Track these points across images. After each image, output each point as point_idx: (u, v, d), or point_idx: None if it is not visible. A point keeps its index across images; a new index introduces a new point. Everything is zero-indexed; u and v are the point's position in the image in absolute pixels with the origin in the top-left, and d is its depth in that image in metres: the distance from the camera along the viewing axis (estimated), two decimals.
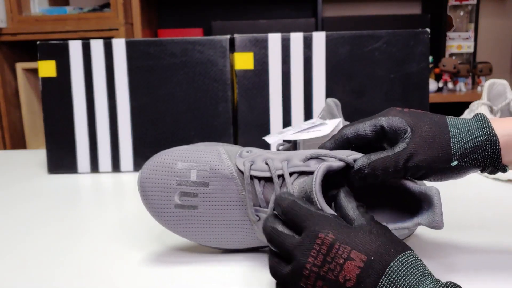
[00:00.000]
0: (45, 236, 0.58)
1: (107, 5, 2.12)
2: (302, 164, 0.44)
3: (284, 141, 0.69)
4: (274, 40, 0.86)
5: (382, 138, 0.44)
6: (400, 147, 0.42)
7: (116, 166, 0.87)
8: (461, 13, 2.21)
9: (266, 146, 0.86)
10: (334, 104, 0.67)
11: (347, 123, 0.69)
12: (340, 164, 0.43)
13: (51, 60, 0.86)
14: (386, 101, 0.86)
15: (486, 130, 0.41)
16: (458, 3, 2.17)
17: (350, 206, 0.39)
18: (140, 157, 0.87)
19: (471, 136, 0.41)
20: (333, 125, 0.60)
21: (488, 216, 0.60)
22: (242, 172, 0.47)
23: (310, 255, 0.35)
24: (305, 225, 0.37)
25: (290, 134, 0.61)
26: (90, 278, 0.47)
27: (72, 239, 0.57)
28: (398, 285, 0.32)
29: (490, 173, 0.43)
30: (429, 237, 0.54)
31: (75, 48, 0.86)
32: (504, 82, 0.86)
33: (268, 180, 0.46)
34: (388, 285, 0.32)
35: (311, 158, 0.44)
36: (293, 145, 0.67)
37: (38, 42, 0.86)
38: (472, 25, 2.20)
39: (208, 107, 0.86)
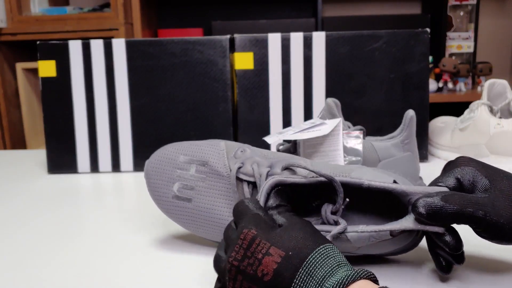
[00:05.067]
0: (45, 235, 0.58)
1: (107, 5, 2.12)
2: (279, 173, 0.46)
3: (284, 141, 0.69)
4: (274, 40, 0.86)
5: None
6: (481, 195, 0.39)
7: (116, 166, 0.87)
8: (461, 13, 2.21)
9: (266, 146, 0.86)
10: (334, 104, 0.67)
11: (347, 123, 0.69)
12: (294, 180, 0.43)
13: (51, 60, 0.86)
14: (386, 101, 0.86)
15: None
16: (458, 3, 2.17)
17: (269, 204, 0.41)
18: (140, 157, 0.87)
19: None
20: (333, 125, 0.60)
21: None
22: None
23: (233, 249, 0.36)
24: (239, 221, 0.39)
25: (290, 134, 0.61)
26: (89, 277, 0.47)
27: (72, 239, 0.57)
28: (314, 276, 0.33)
29: None
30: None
31: (75, 48, 0.86)
32: (504, 82, 0.86)
33: (255, 184, 0.47)
34: (305, 277, 0.33)
35: (286, 168, 0.45)
36: (293, 145, 0.67)
37: (38, 42, 0.86)
38: (472, 25, 2.20)
39: (208, 107, 0.86)
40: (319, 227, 0.43)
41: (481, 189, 0.40)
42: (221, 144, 0.51)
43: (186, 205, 0.50)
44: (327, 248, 0.35)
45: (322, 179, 0.43)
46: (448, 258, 0.42)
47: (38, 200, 0.72)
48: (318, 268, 0.33)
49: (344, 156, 0.62)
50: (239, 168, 0.48)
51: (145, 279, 0.47)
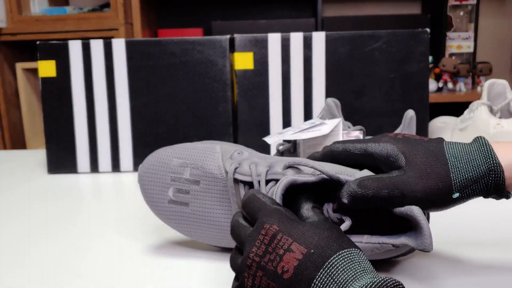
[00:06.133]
0: (45, 236, 0.58)
1: (107, 5, 2.12)
2: (280, 172, 0.45)
3: (284, 141, 0.69)
4: (274, 40, 0.86)
5: (372, 165, 0.43)
6: (395, 173, 0.40)
7: (116, 166, 0.87)
8: (461, 13, 2.21)
9: (266, 146, 0.86)
10: (334, 104, 0.67)
11: (347, 123, 0.69)
12: (306, 179, 0.41)
13: (51, 60, 0.86)
14: (386, 101, 0.86)
15: (489, 159, 0.38)
16: (458, 3, 2.17)
17: (305, 206, 0.39)
18: (140, 157, 0.87)
19: (472, 166, 0.39)
20: (333, 125, 0.60)
21: (489, 226, 0.60)
22: None
23: (254, 244, 0.35)
24: (257, 216, 0.37)
25: (290, 134, 0.61)
26: (88, 277, 0.47)
27: (72, 240, 0.57)
28: (336, 279, 0.32)
29: (493, 198, 0.41)
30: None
31: (75, 48, 0.86)
32: (504, 82, 0.86)
33: (253, 185, 0.46)
34: (325, 278, 0.32)
35: (290, 167, 0.44)
36: (293, 145, 0.67)
37: (38, 42, 0.86)
38: (472, 25, 2.20)
39: (208, 107, 0.86)
40: None
41: (397, 165, 0.40)
42: (216, 148, 0.50)
43: (183, 209, 0.49)
44: (352, 253, 0.33)
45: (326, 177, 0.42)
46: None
47: (37, 200, 0.72)
48: (341, 271, 0.32)
49: None
50: (236, 168, 0.47)
51: (144, 280, 0.47)
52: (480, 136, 0.41)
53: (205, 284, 0.45)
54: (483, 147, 0.39)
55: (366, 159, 0.43)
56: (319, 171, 0.41)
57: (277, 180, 0.45)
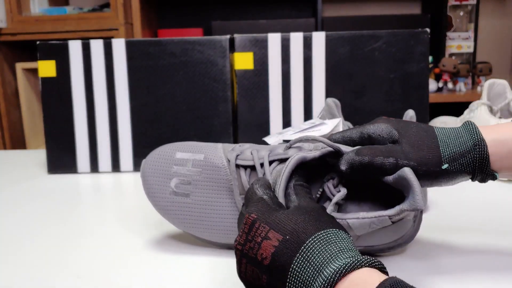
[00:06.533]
0: (45, 236, 0.58)
1: (107, 5, 2.12)
2: (282, 152, 0.47)
3: (284, 141, 0.69)
4: (274, 40, 0.86)
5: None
6: (390, 144, 0.43)
7: (115, 166, 0.87)
8: (461, 13, 2.21)
9: None
10: (334, 104, 0.67)
11: (347, 123, 0.69)
12: (313, 154, 0.44)
13: (51, 60, 0.86)
14: (386, 101, 0.86)
15: (474, 135, 0.42)
16: (458, 3, 2.17)
17: (290, 185, 0.42)
18: (140, 157, 0.87)
19: (459, 141, 0.42)
20: (333, 125, 0.60)
21: (486, 217, 0.60)
22: None
23: (238, 234, 0.37)
24: (245, 206, 0.40)
25: (290, 134, 0.61)
26: (88, 278, 0.47)
27: (71, 240, 0.57)
28: (312, 262, 0.32)
29: (480, 181, 0.43)
30: (424, 239, 0.54)
31: (75, 48, 0.86)
32: (504, 82, 0.86)
33: (254, 169, 0.48)
34: (302, 263, 0.32)
35: (291, 147, 0.47)
36: None
37: (38, 42, 0.86)
38: (472, 25, 2.20)
39: (208, 107, 0.86)
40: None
41: (391, 140, 0.43)
42: (219, 144, 0.52)
43: (184, 200, 0.49)
44: (328, 234, 0.34)
45: (330, 149, 0.44)
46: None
47: (37, 200, 0.72)
48: (317, 254, 0.32)
49: None
50: (237, 156, 0.49)
51: (144, 280, 0.47)
52: (467, 121, 0.44)
53: (205, 282, 0.45)
54: (469, 126, 0.43)
55: (363, 141, 0.45)
56: (321, 141, 0.43)
57: (279, 160, 0.46)
